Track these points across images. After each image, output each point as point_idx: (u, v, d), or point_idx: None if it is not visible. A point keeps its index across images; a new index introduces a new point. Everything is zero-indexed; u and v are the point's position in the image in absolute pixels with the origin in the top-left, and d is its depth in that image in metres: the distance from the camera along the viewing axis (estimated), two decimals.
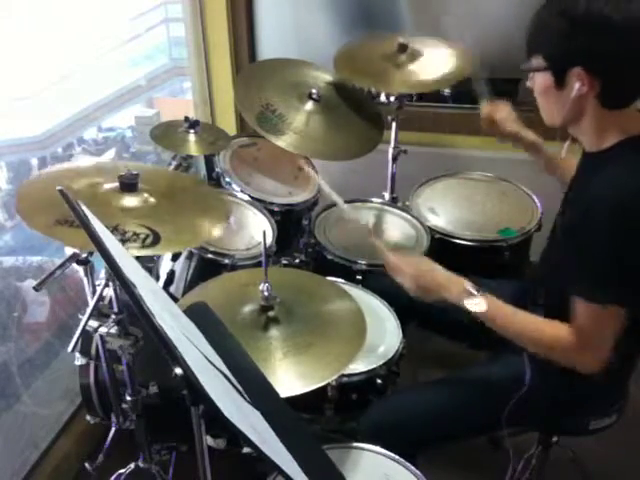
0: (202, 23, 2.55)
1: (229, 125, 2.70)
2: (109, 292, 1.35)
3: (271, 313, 1.28)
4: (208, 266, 1.68)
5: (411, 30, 2.43)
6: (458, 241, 1.92)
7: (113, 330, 1.32)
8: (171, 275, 1.74)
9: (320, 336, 1.27)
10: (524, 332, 1.24)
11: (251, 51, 2.64)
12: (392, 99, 2.03)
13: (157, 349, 0.72)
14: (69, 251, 1.30)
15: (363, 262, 1.77)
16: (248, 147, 2.11)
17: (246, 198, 1.92)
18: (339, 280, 1.66)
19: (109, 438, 1.68)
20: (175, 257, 1.74)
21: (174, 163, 1.84)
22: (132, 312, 1.28)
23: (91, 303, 1.31)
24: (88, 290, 1.37)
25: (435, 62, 2.01)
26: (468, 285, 1.27)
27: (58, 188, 0.87)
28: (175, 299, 1.51)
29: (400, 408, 1.43)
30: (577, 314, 1.17)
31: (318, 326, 1.30)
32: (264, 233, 1.23)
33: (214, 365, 0.86)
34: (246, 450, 1.35)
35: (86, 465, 1.67)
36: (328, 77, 2.12)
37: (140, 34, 3.14)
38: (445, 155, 2.53)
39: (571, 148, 1.31)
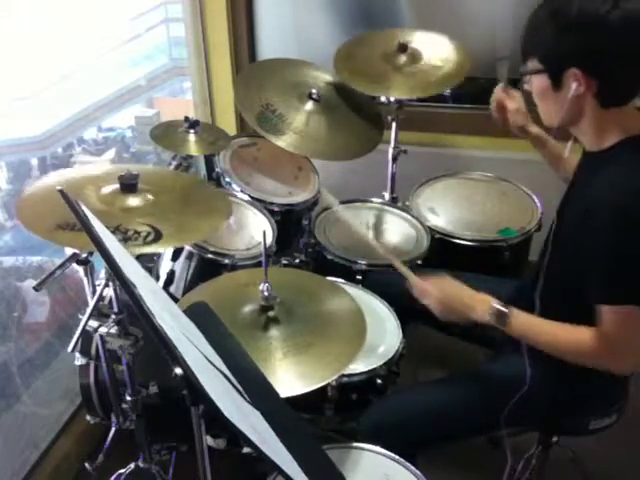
0: (202, 23, 2.55)
1: (229, 125, 2.70)
2: (109, 292, 1.35)
3: (271, 313, 1.28)
4: (208, 266, 1.68)
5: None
6: (458, 241, 1.92)
7: (113, 330, 1.32)
8: (171, 275, 1.74)
9: (320, 336, 1.27)
10: (553, 341, 1.23)
11: (251, 51, 2.64)
12: (392, 99, 2.03)
13: (157, 349, 0.72)
14: (69, 251, 1.30)
15: (363, 262, 1.77)
16: (248, 147, 2.11)
17: (246, 198, 1.92)
18: (339, 280, 1.66)
19: (109, 438, 1.68)
20: (175, 257, 1.74)
21: (174, 163, 1.84)
22: (132, 312, 1.28)
23: (91, 303, 1.31)
24: (88, 290, 1.37)
25: (435, 63, 2.01)
26: (494, 302, 1.26)
27: (58, 188, 0.87)
28: (175, 299, 1.51)
29: (400, 408, 1.42)
30: (602, 320, 1.16)
31: (318, 326, 1.30)
32: (264, 233, 1.23)
33: (214, 365, 0.86)
34: (246, 450, 1.35)
35: (86, 465, 1.67)
36: (328, 77, 2.12)
37: (140, 34, 3.14)
38: (445, 155, 2.53)
39: (574, 148, 1.31)
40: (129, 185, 1.30)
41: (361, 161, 2.00)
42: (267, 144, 1.96)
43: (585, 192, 1.19)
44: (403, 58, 2.02)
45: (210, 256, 1.69)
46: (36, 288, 1.24)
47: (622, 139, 1.18)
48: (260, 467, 1.42)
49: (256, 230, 1.84)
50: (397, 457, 1.24)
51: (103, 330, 1.32)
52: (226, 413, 0.70)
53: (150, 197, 1.32)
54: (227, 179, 1.96)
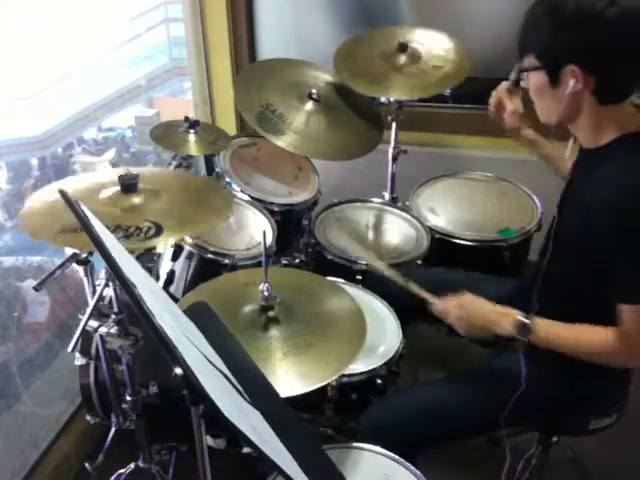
0: (202, 23, 2.55)
1: (229, 125, 2.70)
2: (109, 292, 1.35)
3: (271, 313, 1.28)
4: (208, 266, 1.68)
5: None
6: (458, 241, 1.92)
7: (113, 330, 1.32)
8: (171, 275, 1.74)
9: (320, 336, 1.27)
10: (576, 345, 1.23)
11: (251, 51, 2.64)
12: (392, 99, 2.03)
13: (157, 349, 0.72)
14: (69, 251, 1.30)
15: (363, 262, 1.77)
16: (248, 147, 2.11)
17: (246, 198, 1.92)
18: (339, 280, 1.66)
19: (109, 438, 1.68)
20: (175, 257, 1.74)
21: (174, 163, 1.84)
22: (132, 312, 1.28)
23: (91, 303, 1.31)
24: (88, 290, 1.37)
25: (435, 63, 2.01)
26: (518, 315, 1.26)
27: (58, 188, 0.87)
28: (175, 299, 1.51)
29: (400, 408, 1.42)
30: (622, 319, 1.16)
31: (318, 326, 1.30)
32: (264, 233, 1.23)
33: (214, 365, 0.86)
34: (246, 450, 1.35)
35: (86, 465, 1.67)
36: (328, 77, 2.12)
37: (140, 34, 3.14)
38: (445, 155, 2.54)
39: (574, 148, 1.31)
40: (129, 185, 1.30)
41: (361, 161, 2.00)
42: (267, 144, 1.96)
43: (584, 190, 1.20)
44: (403, 58, 2.02)
45: (210, 256, 1.69)
46: (36, 288, 1.24)
47: (619, 136, 1.18)
48: (260, 467, 1.42)
49: (256, 230, 1.84)
50: (397, 457, 1.24)
51: (103, 330, 1.32)
52: (226, 413, 0.70)
53: (150, 196, 1.32)
54: (227, 179, 1.96)
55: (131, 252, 1.19)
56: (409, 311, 1.61)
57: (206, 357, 0.86)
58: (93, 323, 1.32)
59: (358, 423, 1.41)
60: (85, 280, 1.36)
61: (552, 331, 1.24)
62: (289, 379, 1.17)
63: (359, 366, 1.43)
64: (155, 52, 3.37)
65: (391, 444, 1.26)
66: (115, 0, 2.70)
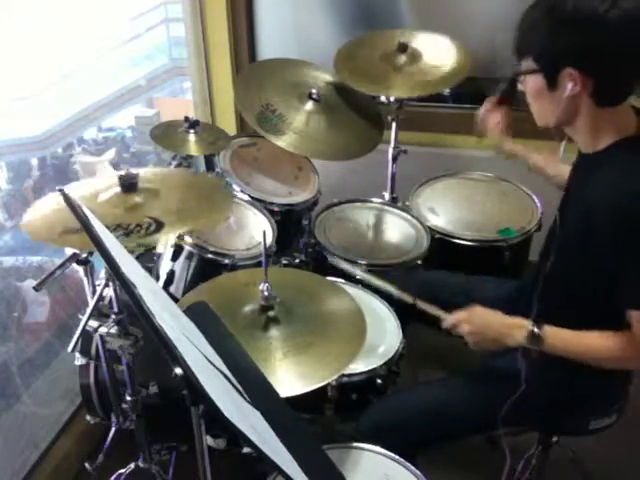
0: (202, 23, 2.55)
1: (229, 125, 2.70)
2: (109, 292, 1.35)
3: (271, 313, 1.28)
4: (208, 266, 1.68)
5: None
6: (458, 241, 1.92)
7: (113, 330, 1.32)
8: (171, 275, 1.74)
9: (320, 336, 1.27)
10: (586, 352, 1.23)
11: (251, 51, 2.64)
12: (392, 99, 2.03)
13: (157, 349, 0.72)
14: (69, 251, 1.30)
15: (363, 262, 1.77)
16: (248, 147, 2.11)
17: (246, 198, 1.92)
18: (339, 280, 1.66)
19: (109, 438, 1.68)
20: (175, 257, 1.74)
21: (174, 163, 1.84)
22: (132, 312, 1.28)
23: (91, 303, 1.31)
24: (88, 290, 1.37)
25: (435, 63, 2.01)
26: (530, 326, 1.25)
27: (58, 188, 0.87)
28: (175, 299, 1.51)
29: (400, 408, 1.43)
30: (632, 324, 1.16)
31: (318, 326, 1.30)
32: (264, 233, 1.23)
33: (214, 365, 0.86)
34: (246, 450, 1.35)
35: (86, 465, 1.67)
36: (328, 77, 2.12)
37: (140, 34, 3.14)
38: (445, 155, 2.54)
39: (568, 148, 1.31)
40: (129, 185, 1.30)
41: (361, 161, 2.00)
42: (267, 144, 1.96)
43: (583, 193, 1.19)
44: (403, 58, 2.02)
45: (210, 256, 1.69)
46: (36, 288, 1.24)
47: (617, 140, 1.18)
48: (260, 467, 1.42)
49: (256, 230, 1.84)
50: (397, 457, 1.24)
51: (103, 330, 1.32)
52: (226, 413, 0.70)
53: (150, 194, 1.32)
54: (227, 179, 1.96)
55: (131, 251, 1.19)
56: (409, 311, 1.61)
57: (206, 357, 0.86)
58: (93, 323, 1.32)
59: (358, 423, 1.42)
60: (85, 280, 1.36)
61: (561, 339, 1.24)
62: (289, 379, 1.17)
63: (359, 366, 1.43)
64: (155, 52, 3.37)
65: (391, 444, 1.26)
66: (115, 0, 2.70)
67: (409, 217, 2.02)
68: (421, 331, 1.71)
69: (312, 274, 1.55)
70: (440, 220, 2.01)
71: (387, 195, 2.20)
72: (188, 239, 1.67)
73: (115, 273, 0.78)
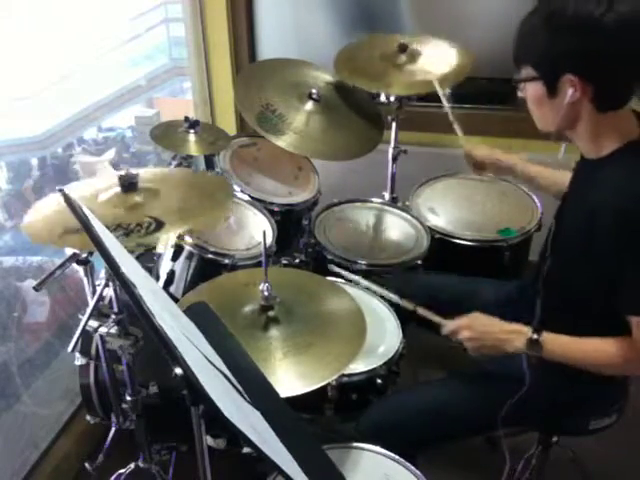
0: (202, 23, 2.55)
1: (229, 125, 2.70)
2: (109, 292, 1.35)
3: (271, 313, 1.28)
4: (208, 266, 1.68)
5: (412, 30, 2.44)
6: (458, 241, 1.92)
7: (113, 330, 1.32)
8: (171, 275, 1.74)
9: (320, 336, 1.27)
10: (585, 358, 1.23)
11: (251, 51, 2.64)
12: (392, 99, 2.03)
13: (157, 349, 0.72)
14: (69, 251, 1.30)
15: (363, 262, 1.77)
16: (248, 147, 2.11)
17: (246, 198, 1.92)
18: (339, 280, 1.66)
19: (109, 438, 1.68)
20: (175, 257, 1.74)
21: (174, 163, 1.84)
22: (132, 312, 1.28)
23: (91, 303, 1.31)
24: (88, 290, 1.37)
25: (435, 63, 2.01)
26: (529, 332, 1.25)
27: (58, 188, 0.87)
28: (175, 299, 1.51)
29: (400, 408, 1.43)
30: (634, 332, 1.16)
31: (318, 326, 1.30)
32: (264, 233, 1.23)
33: (214, 365, 0.86)
34: (246, 450, 1.35)
35: (86, 465, 1.67)
36: (328, 77, 2.12)
37: (140, 34, 3.14)
38: (445, 155, 2.53)
39: (568, 148, 1.31)
40: (130, 185, 1.30)
41: (361, 161, 2.00)
42: (267, 144, 1.96)
43: (586, 196, 1.19)
44: (403, 58, 2.02)
45: (210, 256, 1.69)
46: (36, 288, 1.24)
47: (620, 146, 1.17)
48: (260, 467, 1.42)
49: (256, 230, 1.84)
50: (397, 457, 1.24)
51: (103, 330, 1.32)
52: (226, 413, 0.70)
53: (150, 194, 1.32)
54: (227, 179, 1.96)
55: (131, 250, 1.19)
56: (409, 311, 1.61)
57: (206, 357, 0.86)
58: (93, 323, 1.32)
59: (358, 423, 1.42)
60: (85, 280, 1.36)
61: (560, 344, 1.24)
62: (289, 379, 1.17)
63: (359, 366, 1.43)
64: (155, 52, 3.37)
65: (391, 444, 1.26)
66: (115, 0, 2.70)
67: (409, 217, 2.03)
68: (421, 331, 1.71)
69: (312, 274, 1.55)
70: (440, 220, 2.01)
71: (387, 195, 2.20)
72: (188, 239, 1.67)
73: (115, 273, 0.78)
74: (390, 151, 2.15)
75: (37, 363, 1.91)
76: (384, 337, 1.56)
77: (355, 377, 1.43)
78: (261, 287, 1.26)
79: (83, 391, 1.63)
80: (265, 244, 1.24)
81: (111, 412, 1.62)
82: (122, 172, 1.31)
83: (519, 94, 1.25)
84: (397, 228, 2.00)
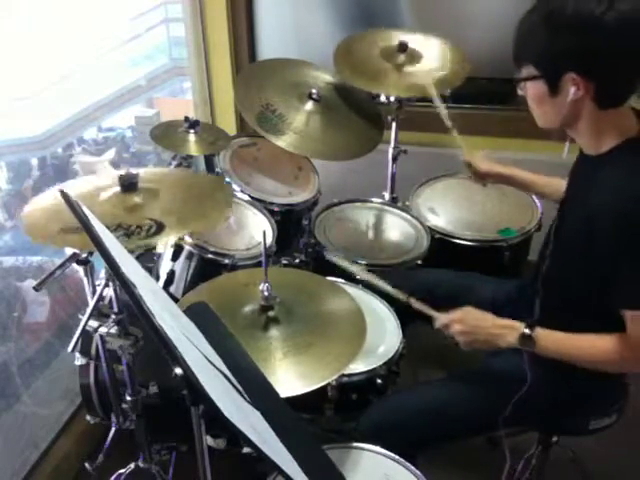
0: (202, 23, 2.55)
1: (229, 125, 2.70)
2: (109, 292, 1.35)
3: (271, 313, 1.28)
4: (208, 266, 1.68)
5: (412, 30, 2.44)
6: (458, 241, 1.92)
7: (113, 330, 1.32)
8: (171, 275, 1.74)
9: (320, 336, 1.27)
10: (581, 355, 1.23)
11: (251, 51, 2.64)
12: (392, 99, 2.03)
13: (157, 349, 0.72)
14: (69, 251, 1.30)
15: (363, 262, 1.77)
16: (248, 147, 2.11)
17: (246, 198, 1.92)
18: (339, 280, 1.66)
19: (109, 438, 1.68)
20: (175, 257, 1.74)
21: (174, 163, 1.84)
22: (132, 312, 1.28)
23: (91, 303, 1.31)
24: (88, 290, 1.37)
25: (434, 65, 2.01)
26: (522, 328, 1.26)
27: (58, 188, 0.87)
28: (175, 299, 1.51)
29: (400, 408, 1.42)
30: (628, 326, 1.16)
31: (318, 326, 1.30)
32: (264, 233, 1.23)
33: (214, 365, 0.86)
34: (246, 450, 1.35)
35: (86, 465, 1.67)
36: (328, 77, 2.12)
37: (140, 34, 3.14)
38: (445, 155, 2.52)
39: (571, 149, 1.31)
40: (129, 185, 1.30)
41: (361, 161, 2.00)
42: (267, 144, 1.96)
43: (586, 195, 1.19)
44: (402, 57, 2.02)
45: (210, 256, 1.69)
46: (36, 288, 1.24)
47: (619, 142, 1.18)
48: (260, 467, 1.42)
49: (256, 230, 1.84)
50: (397, 457, 1.24)
51: (103, 330, 1.32)
52: (226, 413, 0.70)
53: (150, 195, 1.32)
54: (227, 179, 1.95)
55: (131, 251, 1.19)
56: (409, 311, 1.61)
57: (206, 357, 0.86)
58: (93, 323, 1.31)
59: (358, 423, 1.41)
60: (85, 280, 1.36)
61: (555, 341, 1.24)
62: (289, 379, 1.17)
63: (359, 366, 1.43)
64: (155, 52, 3.37)
65: (391, 444, 1.26)
66: (115, 0, 2.70)
67: (409, 217, 2.03)
68: (421, 331, 1.71)
69: (312, 274, 1.55)
70: (440, 220, 2.01)
71: (387, 195, 2.20)
72: (188, 239, 1.67)
73: (115, 273, 0.78)
74: (390, 151, 2.15)
75: (37, 363, 1.91)
76: (384, 337, 1.56)
77: (355, 377, 1.43)
78: (261, 287, 1.26)
79: (83, 391, 1.63)
80: (265, 244, 1.24)
81: (111, 412, 1.62)
82: (122, 172, 1.31)
83: (519, 92, 1.25)
84: (397, 228, 2.00)
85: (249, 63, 2.63)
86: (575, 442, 1.67)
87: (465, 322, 1.32)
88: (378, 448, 1.26)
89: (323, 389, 1.37)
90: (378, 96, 2.05)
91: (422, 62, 2.03)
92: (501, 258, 1.90)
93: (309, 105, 2.00)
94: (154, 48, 3.36)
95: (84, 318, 1.29)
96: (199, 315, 1.02)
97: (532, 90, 1.21)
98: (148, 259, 1.80)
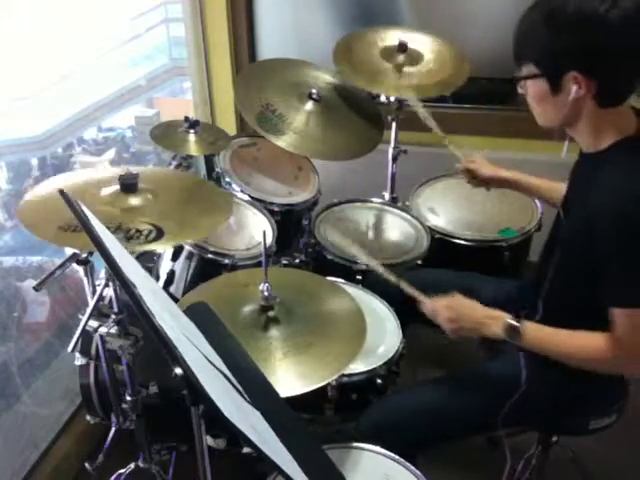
0: (202, 23, 2.55)
1: (229, 125, 2.70)
2: (109, 292, 1.35)
3: (271, 313, 1.28)
4: (208, 266, 1.68)
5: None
6: (458, 241, 1.92)
7: (113, 330, 1.32)
8: (171, 275, 1.74)
9: (320, 336, 1.27)
10: (568, 352, 1.23)
11: (251, 51, 2.64)
12: (392, 99, 2.03)
13: (157, 349, 0.72)
14: (69, 251, 1.30)
15: (360, 261, 1.77)
16: (248, 147, 2.11)
17: (246, 198, 1.92)
18: (339, 280, 1.66)
19: (109, 438, 1.68)
20: (175, 257, 1.74)
21: (174, 163, 1.84)
22: (132, 312, 1.28)
23: (91, 303, 1.31)
24: (88, 290, 1.37)
25: (434, 66, 2.01)
26: (508, 318, 1.26)
27: (58, 188, 0.87)
28: (175, 299, 1.51)
29: (400, 408, 1.42)
30: (616, 324, 1.16)
31: (318, 326, 1.30)
32: (264, 233, 1.23)
33: (214, 365, 0.86)
34: (246, 450, 1.35)
35: (86, 465, 1.67)
36: (328, 77, 2.12)
37: (140, 34, 3.14)
38: (445, 155, 2.53)
39: (570, 148, 1.31)
40: (129, 185, 1.30)
41: (361, 161, 2.00)
42: (267, 144, 1.96)
43: (585, 196, 1.19)
44: (402, 58, 2.02)
45: (210, 256, 1.69)
46: (36, 288, 1.24)
47: (617, 140, 1.18)
48: (260, 467, 1.42)
49: (256, 230, 1.84)
50: (397, 457, 1.23)
51: (103, 330, 1.32)
52: (226, 413, 0.70)
53: (151, 196, 1.32)
54: (227, 179, 1.96)
55: (131, 252, 1.19)
56: (409, 311, 1.61)
57: (206, 357, 0.86)
58: (93, 323, 1.32)
59: (358, 423, 1.41)
60: (85, 280, 1.36)
61: (542, 335, 1.25)
62: (289, 379, 1.17)
63: (359, 366, 1.43)
64: (155, 52, 3.37)
65: (391, 444, 1.26)
66: (115, 0, 2.70)
67: (409, 217, 2.03)
68: (421, 331, 1.71)
69: (312, 274, 1.55)
70: (440, 220, 2.02)
71: (387, 195, 2.20)
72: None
73: (115, 273, 0.78)
74: (390, 151, 2.15)
75: (37, 363, 1.91)
76: (384, 337, 1.56)
77: (355, 377, 1.42)
78: (261, 287, 1.26)
79: (83, 391, 1.63)
80: (265, 244, 1.24)
81: (111, 412, 1.62)
82: (122, 172, 1.31)
83: (519, 91, 1.24)
84: (397, 228, 2.00)
85: (249, 63, 2.63)
86: (575, 442, 1.67)
87: (452, 309, 1.33)
88: (378, 448, 1.25)
89: (323, 389, 1.37)
90: (378, 96, 2.05)
91: (422, 62, 2.03)
92: (501, 258, 1.90)
93: (309, 105, 2.00)
94: (154, 48, 3.36)
95: (84, 318, 1.29)
96: (199, 315, 1.02)
97: (533, 89, 1.21)
98: (148, 259, 1.80)
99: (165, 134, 1.81)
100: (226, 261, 1.69)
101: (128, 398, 1.47)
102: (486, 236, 1.93)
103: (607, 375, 1.26)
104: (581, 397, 1.35)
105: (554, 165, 1.57)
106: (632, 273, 1.14)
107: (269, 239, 1.76)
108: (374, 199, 2.12)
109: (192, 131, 1.81)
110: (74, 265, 1.30)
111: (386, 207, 2.10)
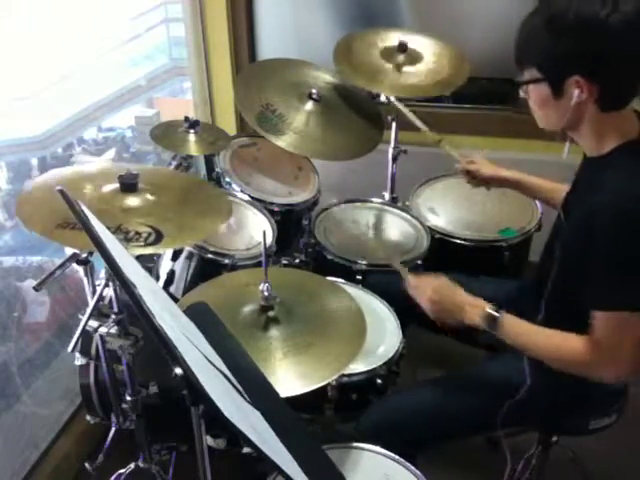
0: (202, 23, 2.55)
1: (229, 125, 2.70)
2: (109, 292, 1.35)
3: (271, 313, 1.28)
4: (208, 266, 1.68)
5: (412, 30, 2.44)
6: (458, 241, 1.92)
7: (113, 330, 1.32)
8: (171, 275, 1.74)
9: (320, 336, 1.27)
10: (545, 349, 1.23)
11: (251, 51, 2.64)
12: (392, 98, 2.03)
13: (157, 349, 0.72)
14: (69, 251, 1.30)
15: (363, 262, 1.77)
16: (248, 147, 2.11)
17: (246, 198, 1.92)
18: (339, 280, 1.66)
19: (109, 438, 1.68)
20: (175, 257, 1.74)
21: (174, 163, 1.84)
22: (132, 312, 1.28)
23: (91, 303, 1.31)
24: (88, 290, 1.37)
25: (434, 66, 2.01)
26: (488, 308, 1.26)
27: (58, 188, 0.87)
28: (175, 299, 1.51)
29: (400, 408, 1.42)
30: (595, 327, 1.16)
31: (318, 326, 1.30)
32: (264, 233, 1.23)
33: (214, 365, 0.86)
34: (246, 450, 1.35)
35: (86, 465, 1.67)
36: (328, 77, 2.12)
37: (140, 34, 3.14)
38: (445, 155, 2.54)
39: (572, 149, 1.31)
40: (129, 185, 1.30)
41: (361, 161, 2.00)
42: (267, 144, 1.96)
43: (587, 196, 1.19)
44: (402, 58, 2.02)
45: (210, 256, 1.69)
46: (36, 288, 1.24)
47: (620, 144, 1.18)
48: (260, 467, 1.42)
49: (256, 230, 1.84)
50: (397, 457, 1.23)
51: (103, 330, 1.32)
52: (226, 413, 0.70)
53: (150, 197, 1.32)
54: (227, 179, 1.96)
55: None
56: (409, 311, 1.61)
57: (206, 357, 0.86)
58: (93, 323, 1.31)
59: (358, 423, 1.42)
60: (85, 280, 1.36)
61: (520, 330, 1.25)
62: (289, 379, 1.17)
63: (359, 366, 1.43)
64: (155, 52, 3.37)
65: (391, 444, 1.26)
66: (115, 0, 2.70)
67: (409, 217, 2.03)
68: (421, 331, 1.71)
69: (312, 274, 1.55)
70: (440, 220, 2.02)
71: (387, 195, 2.20)
72: None
73: (115, 273, 0.78)
74: (390, 151, 2.15)
75: (37, 363, 1.91)
76: (384, 337, 1.56)
77: (355, 377, 1.43)
78: (261, 287, 1.26)
79: (83, 391, 1.63)
80: (265, 244, 1.24)
81: (111, 412, 1.62)
82: (121, 171, 1.31)
83: (521, 95, 1.24)
84: (397, 228, 2.00)
85: (249, 63, 2.63)
86: (575, 442, 1.67)
87: (436, 291, 1.33)
88: (378, 448, 1.25)
89: (323, 389, 1.37)
90: (378, 96, 2.05)
91: (422, 62, 2.03)
92: (501, 258, 1.90)
93: (309, 105, 2.00)
94: (154, 48, 3.36)
95: (84, 318, 1.29)
96: (199, 315, 1.02)
97: (535, 93, 1.21)
98: (148, 259, 1.80)
99: (165, 134, 1.81)
100: (226, 261, 1.69)
101: (128, 398, 1.47)
102: (486, 236, 1.93)
103: None
104: (581, 397, 1.35)
105: (554, 165, 1.57)
106: (616, 277, 1.13)
107: (269, 239, 1.76)
108: (374, 199, 2.12)
109: (192, 131, 1.81)
110: (74, 265, 1.30)
111: (386, 207, 2.10)
